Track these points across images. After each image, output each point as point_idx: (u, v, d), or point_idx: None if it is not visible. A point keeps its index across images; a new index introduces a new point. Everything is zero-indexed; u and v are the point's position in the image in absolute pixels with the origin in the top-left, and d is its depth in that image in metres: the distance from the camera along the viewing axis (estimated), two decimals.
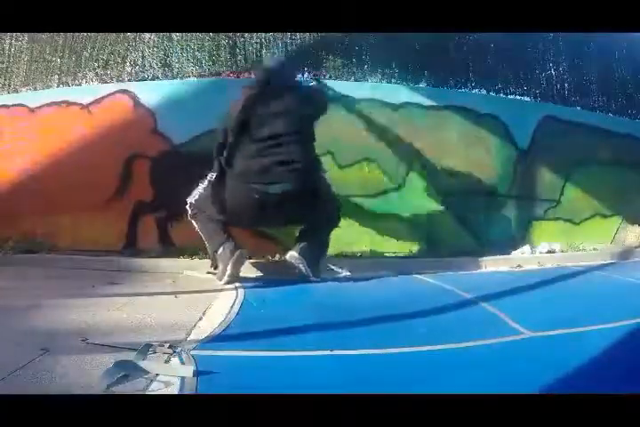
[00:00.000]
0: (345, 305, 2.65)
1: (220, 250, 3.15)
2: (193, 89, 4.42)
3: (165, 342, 1.76)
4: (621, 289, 3.18)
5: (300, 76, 4.56)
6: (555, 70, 5.36)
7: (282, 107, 3.12)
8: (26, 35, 4.87)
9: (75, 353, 1.66)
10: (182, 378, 1.44)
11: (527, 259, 4.38)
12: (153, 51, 4.59)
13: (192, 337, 1.92)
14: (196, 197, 3.31)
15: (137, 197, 4.38)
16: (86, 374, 1.46)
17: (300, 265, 3.25)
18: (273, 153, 3.07)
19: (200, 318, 2.23)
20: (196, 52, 4.55)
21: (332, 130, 4.39)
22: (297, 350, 1.77)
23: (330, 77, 4.58)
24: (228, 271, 3.10)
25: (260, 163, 3.07)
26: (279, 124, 3.09)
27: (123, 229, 4.36)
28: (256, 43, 4.57)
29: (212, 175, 3.26)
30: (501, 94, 5.08)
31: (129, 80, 4.58)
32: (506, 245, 4.65)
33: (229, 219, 3.25)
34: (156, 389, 1.39)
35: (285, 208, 3.16)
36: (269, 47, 4.58)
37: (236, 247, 3.17)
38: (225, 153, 3.19)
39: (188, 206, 3.34)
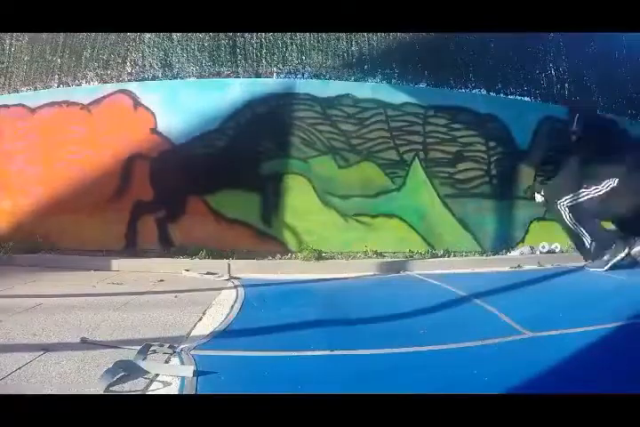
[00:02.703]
0: (345, 305, 2.65)
1: (615, 244, 3.88)
2: (193, 89, 4.42)
3: (165, 342, 1.76)
4: (621, 289, 3.17)
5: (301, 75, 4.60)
6: (555, 70, 5.36)
7: None
8: (26, 35, 4.88)
9: (75, 353, 1.66)
10: (182, 378, 1.44)
11: (527, 259, 4.39)
12: (153, 51, 4.59)
13: (192, 337, 1.92)
14: (579, 201, 4.01)
15: (137, 197, 4.38)
16: (86, 374, 1.46)
17: None
18: None
19: (200, 318, 2.23)
20: (196, 52, 4.55)
21: (332, 130, 4.41)
22: (297, 350, 1.77)
23: (330, 77, 4.58)
24: (614, 261, 3.83)
25: None
26: None
27: (123, 229, 4.37)
28: (256, 43, 4.57)
29: (602, 186, 3.96)
30: (501, 94, 5.08)
31: (129, 80, 4.58)
32: (506, 245, 4.65)
33: (620, 218, 4.15)
34: (156, 389, 1.39)
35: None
36: (269, 47, 4.58)
37: (624, 245, 3.89)
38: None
39: (565, 208, 4.05)
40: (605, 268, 3.85)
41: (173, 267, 3.74)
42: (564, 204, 4.09)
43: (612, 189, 3.98)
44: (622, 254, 3.86)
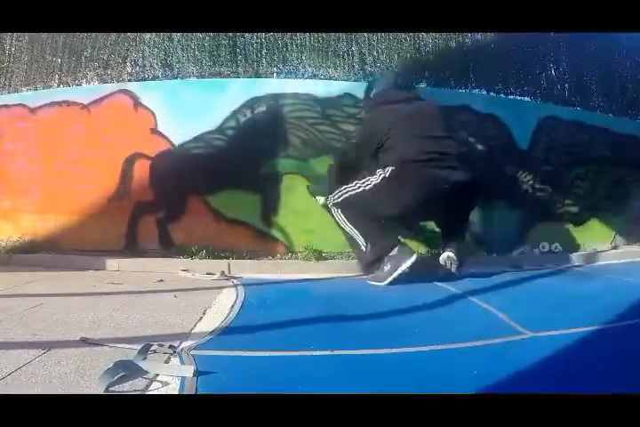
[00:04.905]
0: (345, 305, 2.65)
1: (393, 252, 3.18)
2: (193, 89, 4.42)
3: (165, 342, 1.76)
4: (620, 289, 3.17)
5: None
6: (555, 70, 5.35)
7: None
8: (26, 35, 4.88)
9: (75, 353, 1.66)
10: (182, 378, 1.44)
11: (527, 259, 4.39)
12: (153, 51, 4.59)
13: (192, 337, 1.93)
14: (344, 197, 3.35)
15: (137, 197, 4.38)
16: (86, 374, 1.46)
17: (453, 266, 3.32)
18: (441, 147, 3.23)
19: (200, 318, 2.23)
20: (196, 52, 4.55)
21: (332, 130, 4.41)
22: (297, 350, 1.77)
23: (330, 77, 4.58)
24: (396, 274, 3.11)
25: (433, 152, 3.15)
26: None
27: (123, 229, 4.36)
28: (256, 43, 4.57)
29: (368, 178, 3.27)
30: (501, 94, 5.08)
31: (129, 80, 4.58)
32: (506, 245, 4.65)
33: (401, 215, 3.28)
34: (156, 389, 1.39)
35: (454, 200, 3.15)
36: (269, 47, 4.58)
37: (410, 251, 3.23)
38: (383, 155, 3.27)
39: (333, 206, 3.44)
40: (386, 282, 3.10)
41: (173, 267, 3.74)
42: (331, 201, 3.45)
43: (386, 180, 3.15)
44: (407, 264, 3.09)
